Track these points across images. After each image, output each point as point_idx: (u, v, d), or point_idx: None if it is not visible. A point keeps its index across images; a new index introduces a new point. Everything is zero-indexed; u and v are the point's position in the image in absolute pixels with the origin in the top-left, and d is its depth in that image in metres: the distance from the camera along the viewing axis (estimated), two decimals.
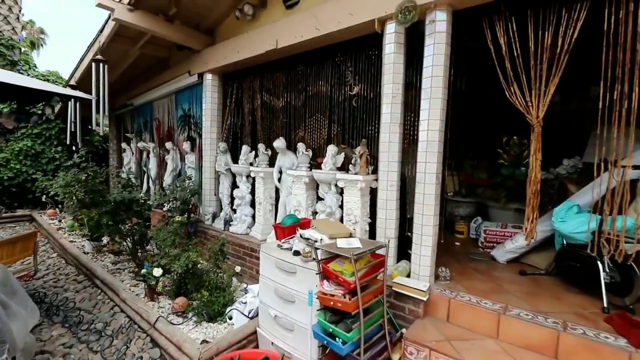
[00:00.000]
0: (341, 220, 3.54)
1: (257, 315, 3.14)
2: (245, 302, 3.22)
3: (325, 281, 2.40)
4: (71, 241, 5.85)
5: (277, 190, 4.53)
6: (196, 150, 5.72)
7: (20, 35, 9.02)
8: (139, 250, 4.43)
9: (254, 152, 4.78)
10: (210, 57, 5.10)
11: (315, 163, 3.94)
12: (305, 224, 3.27)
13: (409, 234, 3.33)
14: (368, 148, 3.35)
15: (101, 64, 5.03)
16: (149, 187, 7.40)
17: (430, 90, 2.88)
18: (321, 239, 2.61)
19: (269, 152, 4.52)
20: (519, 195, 4.45)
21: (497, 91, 2.88)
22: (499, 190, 4.95)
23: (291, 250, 2.83)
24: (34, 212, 8.09)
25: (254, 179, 4.58)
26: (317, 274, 2.41)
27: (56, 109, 7.83)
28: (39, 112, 7.52)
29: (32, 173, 8.27)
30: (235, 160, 5.23)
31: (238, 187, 4.83)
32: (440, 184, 2.99)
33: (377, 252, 2.55)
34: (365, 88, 3.56)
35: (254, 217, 4.68)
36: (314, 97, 4.06)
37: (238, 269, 3.89)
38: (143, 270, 3.55)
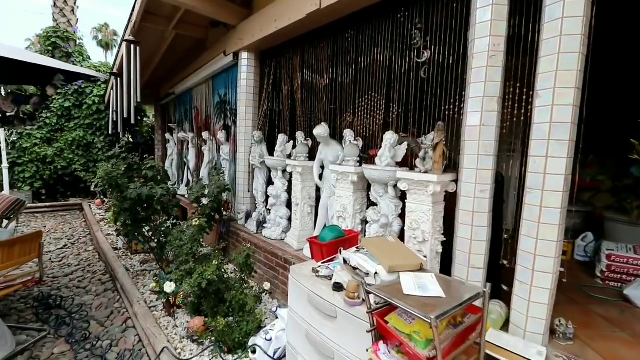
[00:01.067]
0: (401, 235, 2.60)
1: (284, 357, 2.37)
2: (271, 339, 2.46)
3: (381, 344, 1.51)
4: (108, 234, 5.68)
5: (317, 189, 3.70)
6: (231, 140, 5.12)
7: (75, 28, 9.34)
8: (164, 253, 3.94)
9: (291, 142, 4.00)
10: (245, 32, 4.40)
11: (366, 156, 3.03)
12: (351, 239, 2.39)
13: (505, 262, 2.28)
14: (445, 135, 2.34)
15: (132, 45, 4.62)
16: (189, 180, 7.09)
17: (559, 41, 1.79)
18: (376, 273, 1.71)
19: (309, 142, 3.70)
20: None
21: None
22: (627, 197, 3.55)
23: (330, 279, 1.98)
24: (84, 201, 8.35)
25: (290, 174, 3.81)
26: (369, 331, 1.54)
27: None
28: (39, 92, 7.49)
29: (84, 163, 8.51)
30: (271, 151, 4.51)
31: (273, 183, 4.11)
32: (569, 192, 1.89)
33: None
34: (441, 51, 2.53)
35: (290, 219, 3.92)
36: (367, 70, 3.12)
37: (267, 285, 3.15)
38: (152, 284, 2.97)
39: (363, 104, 3.18)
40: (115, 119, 6.55)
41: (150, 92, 9.07)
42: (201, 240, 3.35)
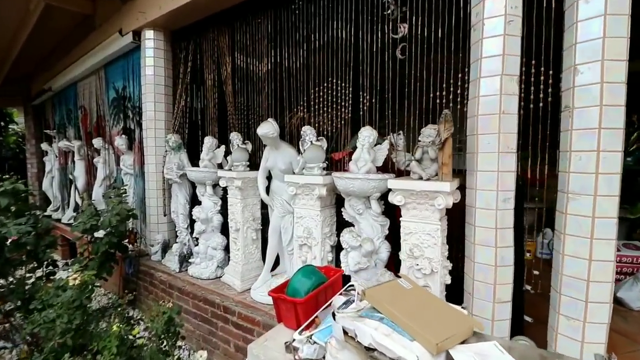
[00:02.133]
0: (395, 265, 1.97)
1: None
2: None
3: None
4: None
5: (264, 206, 2.88)
6: (135, 148, 3.90)
7: None
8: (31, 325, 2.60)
9: (223, 148, 3.09)
10: (149, 3, 3.34)
11: (327, 162, 2.34)
12: (334, 284, 1.65)
13: (528, 287, 1.82)
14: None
15: None
16: (77, 204, 5.43)
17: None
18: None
19: (249, 146, 2.86)
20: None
21: None
22: None
23: None
24: None
25: (225, 190, 2.90)
26: None
27: None
28: None
29: None
30: (195, 160, 3.51)
31: (200, 203, 3.12)
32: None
33: None
34: (425, 23, 2.00)
35: (227, 249, 2.99)
36: (324, 50, 2.46)
37: (203, 356, 2.20)
38: None
39: (321, 94, 2.49)
40: None
41: (16, 90, 6.94)
42: (90, 300, 2.21)
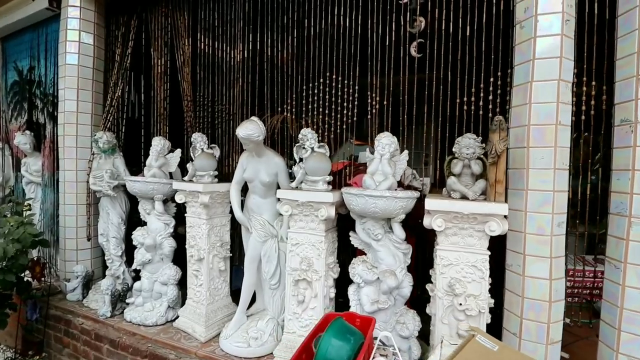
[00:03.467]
0: (418, 299, 1.67)
1: None
2: None
3: None
4: None
5: (234, 228, 2.38)
6: (44, 149, 3.03)
7: None
8: None
9: (179, 152, 2.51)
10: None
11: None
12: (370, 343, 1.27)
13: (567, 319, 1.68)
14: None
15: None
16: None
17: None
18: None
19: (217, 152, 2.34)
20: None
21: None
22: None
23: None
24: None
25: (181, 206, 2.33)
26: None
27: None
28: None
29: None
30: (134, 168, 2.84)
31: (140, 223, 2.47)
32: None
33: None
34: (450, 17, 1.80)
35: (180, 284, 2.39)
36: (322, 40, 2.11)
37: None
38: None
39: (315, 91, 2.13)
40: None
41: None
42: None
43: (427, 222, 1.50)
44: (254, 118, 1.96)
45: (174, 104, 2.75)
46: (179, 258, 2.44)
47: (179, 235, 2.49)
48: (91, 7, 2.81)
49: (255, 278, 2.14)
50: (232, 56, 2.42)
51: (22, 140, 3.01)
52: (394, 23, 1.92)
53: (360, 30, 2.00)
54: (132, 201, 2.78)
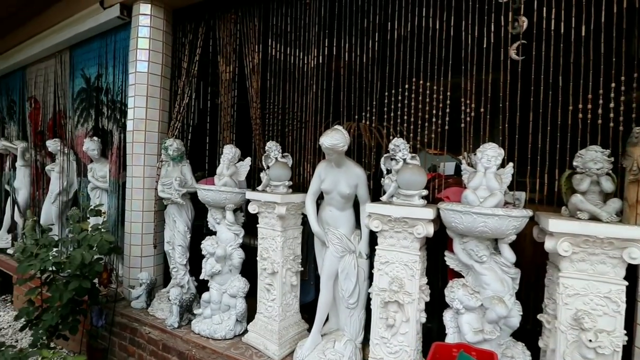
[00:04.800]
0: (522, 331, 1.55)
1: None
2: None
3: None
4: None
5: (308, 239, 2.37)
6: (111, 155, 3.20)
7: None
8: None
9: (249, 160, 2.54)
10: None
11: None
12: None
13: None
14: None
15: None
16: (15, 223, 4.46)
17: None
18: None
19: (290, 161, 2.34)
20: None
21: None
22: None
23: None
24: None
25: (252, 217, 2.34)
26: None
27: None
28: None
29: None
30: (197, 173, 2.92)
31: (213, 232, 2.52)
32: None
33: None
34: (561, 17, 1.68)
35: (246, 297, 2.40)
36: (407, 43, 2.06)
37: None
38: None
39: (399, 98, 2.08)
40: None
41: None
42: None
43: (549, 245, 1.38)
44: (339, 127, 1.94)
45: (241, 111, 2.80)
46: (249, 269, 2.47)
47: (245, 246, 2.51)
48: (160, 15, 2.94)
49: (332, 296, 2.10)
50: (306, 62, 2.42)
51: (91, 146, 3.19)
52: (492, 24, 1.83)
53: (452, 32, 1.92)
54: (198, 209, 2.86)
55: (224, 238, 2.41)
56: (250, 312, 2.40)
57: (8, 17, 4.48)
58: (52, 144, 3.67)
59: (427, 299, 1.77)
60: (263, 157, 2.36)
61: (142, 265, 2.91)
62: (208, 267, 2.42)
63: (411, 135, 2.03)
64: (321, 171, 2.10)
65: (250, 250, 2.53)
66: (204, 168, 2.97)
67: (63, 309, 2.30)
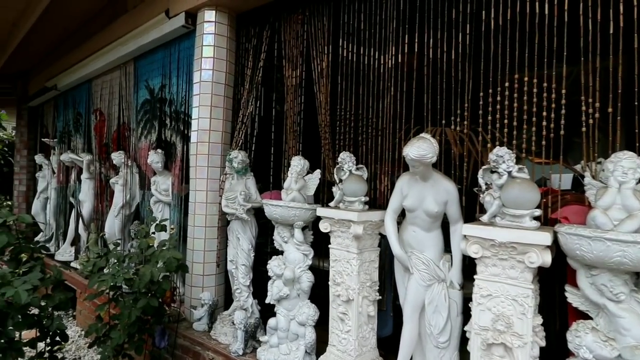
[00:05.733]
0: None
1: None
2: None
3: None
4: None
5: (385, 263, 2.33)
6: (174, 168, 3.46)
7: None
8: None
9: (318, 173, 2.58)
10: None
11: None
12: None
13: None
14: None
15: None
16: (77, 236, 5.02)
17: None
18: None
19: (365, 173, 2.33)
20: None
21: None
22: None
23: None
24: None
25: (322, 236, 2.36)
26: None
27: None
28: None
29: None
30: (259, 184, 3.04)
31: (279, 252, 2.59)
32: None
33: None
34: None
35: (316, 326, 2.41)
36: (505, 35, 1.96)
37: None
38: None
39: (498, 98, 1.97)
40: None
41: (10, 88, 6.81)
42: None
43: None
44: (426, 135, 1.89)
45: (308, 119, 2.87)
46: (320, 294, 2.49)
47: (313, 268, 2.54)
48: (225, 21, 3.15)
49: (417, 331, 2.02)
50: (382, 62, 2.41)
51: (155, 158, 3.48)
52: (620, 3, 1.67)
53: (567, 17, 1.78)
54: (261, 225, 2.97)
55: (292, 259, 2.46)
56: (319, 344, 2.40)
57: (71, 34, 5.13)
58: (117, 157, 4.08)
59: (543, 343, 1.62)
60: (335, 170, 2.38)
61: (204, 284, 3.07)
62: (275, 290, 2.48)
63: (514, 142, 1.90)
64: (403, 185, 2.06)
65: (317, 273, 2.56)
66: (267, 180, 3.09)
67: (130, 327, 2.50)
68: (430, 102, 2.20)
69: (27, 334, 2.44)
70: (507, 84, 1.94)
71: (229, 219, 2.93)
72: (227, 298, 3.21)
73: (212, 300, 2.97)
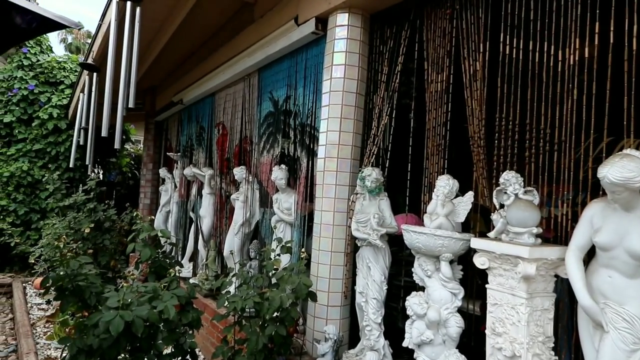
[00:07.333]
0: None
1: None
2: None
3: None
4: None
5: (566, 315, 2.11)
6: (298, 186, 3.69)
7: None
8: None
9: (471, 195, 2.48)
10: None
11: None
12: None
13: None
14: None
15: (130, 3, 3.47)
16: (195, 251, 5.68)
17: None
18: None
19: (535, 198, 2.16)
20: None
21: None
22: None
23: None
24: (17, 278, 7.09)
25: (476, 272, 2.24)
26: None
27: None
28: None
29: (25, 214, 7.40)
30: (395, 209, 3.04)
31: (423, 286, 2.53)
32: None
33: None
34: None
35: None
36: None
37: None
38: None
39: None
40: (82, 142, 5.42)
41: (140, 103, 8.13)
42: None
43: None
44: (632, 151, 1.68)
45: (454, 130, 2.80)
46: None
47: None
48: (358, 23, 3.28)
49: None
50: (560, 59, 2.24)
51: (279, 175, 3.77)
52: None
53: None
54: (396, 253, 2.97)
55: (437, 297, 2.39)
56: None
57: (198, 48, 5.90)
58: (239, 172, 4.52)
59: None
60: (494, 193, 2.26)
61: (328, 316, 3.17)
62: (415, 332, 2.43)
63: None
64: (594, 216, 1.86)
65: (464, 316, 2.45)
66: (398, 201, 3.09)
67: (257, 354, 2.70)
68: (634, 107, 1.95)
69: None
70: None
71: (358, 245, 3.00)
72: (352, 334, 3.26)
73: (338, 336, 3.04)
